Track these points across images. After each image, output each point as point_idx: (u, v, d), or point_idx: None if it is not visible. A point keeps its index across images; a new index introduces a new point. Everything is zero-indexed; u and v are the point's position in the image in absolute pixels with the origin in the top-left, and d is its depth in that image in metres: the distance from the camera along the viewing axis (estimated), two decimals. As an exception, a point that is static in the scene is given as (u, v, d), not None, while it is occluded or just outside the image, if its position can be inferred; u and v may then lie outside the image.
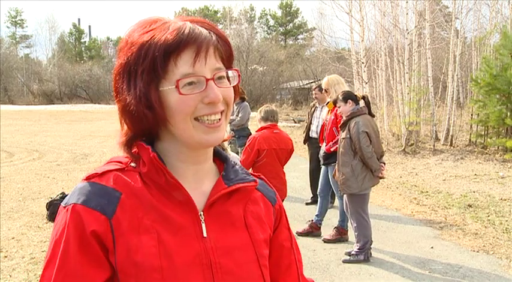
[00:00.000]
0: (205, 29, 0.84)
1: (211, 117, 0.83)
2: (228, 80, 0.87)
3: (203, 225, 0.86)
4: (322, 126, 5.51)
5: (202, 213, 0.87)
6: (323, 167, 5.35)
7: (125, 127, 0.88)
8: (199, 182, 0.90)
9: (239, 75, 0.88)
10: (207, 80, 0.82)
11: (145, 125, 0.84)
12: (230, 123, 7.35)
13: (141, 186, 0.84)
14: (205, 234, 0.85)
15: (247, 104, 7.43)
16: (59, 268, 0.79)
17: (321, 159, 5.29)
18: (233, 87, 0.88)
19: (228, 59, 0.88)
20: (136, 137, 0.87)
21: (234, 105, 7.63)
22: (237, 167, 0.96)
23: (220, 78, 0.84)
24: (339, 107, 4.50)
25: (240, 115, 7.20)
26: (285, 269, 1.01)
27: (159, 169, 0.84)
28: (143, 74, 0.81)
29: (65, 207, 0.83)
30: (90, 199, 0.81)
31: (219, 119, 0.84)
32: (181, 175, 0.88)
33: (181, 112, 0.81)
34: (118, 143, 0.89)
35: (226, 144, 5.76)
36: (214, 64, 0.84)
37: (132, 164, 0.87)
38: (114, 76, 0.87)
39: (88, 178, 0.85)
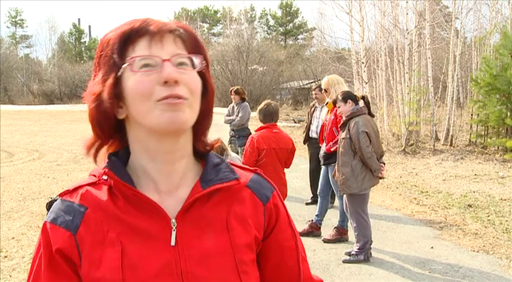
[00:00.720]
0: (164, 20, 0.85)
1: (171, 99, 0.79)
2: (194, 66, 0.83)
3: (173, 233, 0.82)
4: (322, 126, 5.51)
5: (174, 220, 0.83)
6: (323, 167, 5.34)
7: (93, 130, 0.87)
8: (175, 186, 0.87)
9: (206, 60, 0.85)
10: (164, 60, 0.79)
11: (108, 118, 0.83)
12: (230, 123, 7.36)
13: (108, 199, 0.84)
14: (172, 243, 0.82)
15: (247, 104, 7.45)
16: None
17: (321, 159, 5.29)
18: (205, 77, 0.86)
19: (194, 48, 0.86)
20: (101, 138, 0.86)
21: (235, 105, 7.72)
22: (222, 165, 0.91)
23: (181, 63, 0.81)
24: (339, 107, 4.50)
25: (240, 115, 7.21)
26: (287, 271, 0.96)
27: (117, 181, 0.83)
28: (104, 64, 0.82)
29: (43, 223, 0.86)
30: (58, 217, 0.84)
31: (179, 98, 0.79)
32: (153, 179, 0.86)
33: (138, 94, 0.79)
34: (83, 148, 0.88)
35: (226, 144, 5.77)
36: (174, 50, 0.82)
37: (104, 177, 0.86)
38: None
39: (61, 195, 0.87)
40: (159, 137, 0.83)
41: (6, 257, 4.58)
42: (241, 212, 0.89)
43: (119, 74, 0.80)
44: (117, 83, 0.81)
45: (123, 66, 0.80)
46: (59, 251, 0.82)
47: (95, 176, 0.88)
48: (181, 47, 0.83)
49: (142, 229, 0.82)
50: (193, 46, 0.86)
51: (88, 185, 0.87)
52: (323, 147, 5.23)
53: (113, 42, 0.82)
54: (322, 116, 5.98)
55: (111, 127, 0.85)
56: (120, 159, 0.87)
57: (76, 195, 0.85)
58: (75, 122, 21.96)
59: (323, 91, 5.55)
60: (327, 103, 5.51)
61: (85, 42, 58.61)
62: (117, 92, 0.81)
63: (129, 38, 0.81)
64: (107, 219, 0.82)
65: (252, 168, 0.98)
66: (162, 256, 0.81)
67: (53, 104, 39.16)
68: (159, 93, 0.78)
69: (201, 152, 0.92)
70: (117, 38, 0.82)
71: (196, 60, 0.84)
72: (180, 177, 0.87)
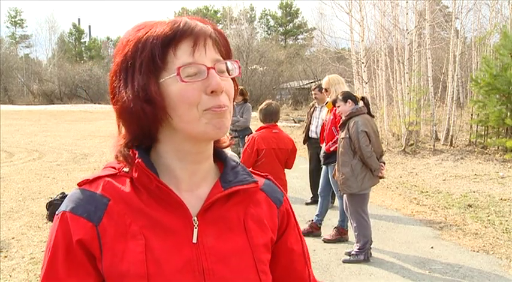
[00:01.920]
0: (201, 22, 0.83)
1: (217, 109, 0.80)
2: (228, 72, 0.84)
3: (195, 230, 0.83)
4: (323, 126, 5.51)
5: (196, 218, 0.84)
6: (323, 167, 5.34)
7: (123, 131, 0.85)
8: (196, 185, 0.87)
9: (239, 67, 0.86)
10: (208, 68, 0.79)
11: (145, 123, 0.81)
12: (233, 124, 7.34)
13: (131, 191, 0.83)
14: (194, 240, 0.82)
15: (249, 105, 7.42)
16: (46, 276, 0.82)
17: (321, 159, 5.29)
18: (233, 80, 0.86)
19: (226, 53, 0.86)
20: (134, 141, 0.85)
21: (236, 106, 7.66)
22: (239, 167, 0.92)
23: (221, 71, 0.82)
24: (338, 107, 4.50)
25: (244, 116, 7.18)
26: (296, 275, 0.97)
27: (148, 174, 0.82)
28: (141, 67, 0.79)
29: (57, 214, 0.84)
30: (78, 206, 0.82)
31: (224, 109, 0.81)
32: (177, 177, 0.86)
33: (184, 102, 0.78)
34: (114, 148, 0.86)
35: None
36: (214, 55, 0.82)
37: (125, 169, 0.85)
38: (110, 78, 0.84)
39: (79, 184, 0.86)
40: (197, 141, 0.84)
41: (6, 257, 4.57)
42: (258, 214, 0.91)
43: (162, 80, 0.79)
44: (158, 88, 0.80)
45: (171, 75, 0.78)
46: (80, 242, 0.80)
47: (114, 168, 0.87)
48: (217, 51, 0.83)
49: (165, 224, 0.82)
50: (226, 51, 0.86)
51: (108, 176, 0.85)
52: (323, 147, 5.23)
53: (152, 45, 0.78)
54: (321, 116, 5.98)
55: (141, 127, 0.83)
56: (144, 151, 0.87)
57: (97, 185, 0.84)
58: (75, 122, 21.97)
59: (323, 90, 5.54)
60: (327, 103, 5.51)
61: (85, 42, 58.64)
62: (160, 98, 0.79)
63: (171, 40, 0.79)
64: (129, 212, 0.81)
65: (263, 174, 0.99)
66: (184, 253, 0.82)
67: (53, 104, 39.16)
68: (206, 103, 0.79)
69: (222, 148, 0.93)
70: (159, 40, 0.78)
71: (232, 66, 0.85)
72: (202, 177, 0.88)
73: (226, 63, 0.84)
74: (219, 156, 0.93)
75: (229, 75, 0.84)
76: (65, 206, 0.83)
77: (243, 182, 0.89)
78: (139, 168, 0.82)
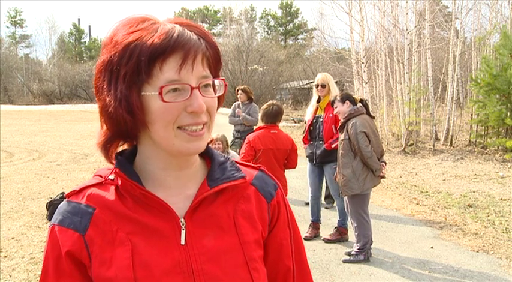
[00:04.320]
0: (195, 33, 0.81)
1: (194, 127, 0.80)
2: (214, 89, 0.84)
3: (183, 232, 0.83)
4: (308, 125, 5.32)
5: (183, 219, 0.84)
6: (316, 169, 5.17)
7: (104, 127, 0.85)
8: (183, 187, 0.87)
9: (225, 85, 0.86)
10: (192, 88, 0.78)
11: (123, 128, 0.81)
12: (235, 123, 7.28)
13: (116, 198, 0.84)
14: (182, 242, 0.83)
15: (256, 105, 7.38)
16: None
17: (316, 158, 5.07)
18: (218, 97, 0.85)
19: (215, 67, 0.85)
20: (114, 138, 0.85)
21: (242, 105, 7.58)
22: (227, 163, 0.91)
23: (206, 86, 0.81)
24: (336, 108, 4.47)
25: (254, 115, 7.13)
26: (285, 271, 0.96)
27: (129, 183, 0.83)
28: (126, 76, 0.77)
29: (49, 226, 0.86)
30: (65, 218, 0.84)
31: (202, 128, 0.82)
32: (162, 182, 0.86)
33: (163, 119, 0.78)
34: (96, 144, 0.86)
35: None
36: (201, 72, 0.80)
37: (111, 177, 0.86)
38: (95, 73, 0.83)
39: (67, 196, 0.87)
40: (174, 155, 0.84)
41: (6, 257, 4.58)
42: (248, 210, 0.90)
43: (144, 93, 0.78)
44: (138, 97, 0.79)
45: (154, 93, 0.78)
46: (69, 253, 0.82)
47: (100, 176, 0.88)
48: (205, 66, 0.82)
49: (152, 228, 0.83)
50: (216, 65, 0.85)
51: (94, 185, 0.87)
52: (307, 149, 5.15)
53: (139, 58, 0.76)
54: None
55: (120, 130, 0.83)
56: (126, 158, 0.87)
57: (82, 196, 0.85)
58: (75, 122, 21.97)
59: (319, 87, 5.37)
60: (320, 101, 5.32)
61: (85, 42, 58.72)
62: (141, 110, 0.79)
63: (160, 55, 0.77)
64: (115, 219, 0.83)
65: (255, 166, 0.98)
66: (173, 255, 0.82)
67: (53, 104, 39.22)
68: (183, 120, 0.80)
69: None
70: (147, 54, 0.76)
71: (219, 84, 0.84)
72: (188, 179, 0.88)
73: (213, 81, 0.83)
74: (206, 153, 0.92)
75: (215, 92, 0.84)
76: (54, 219, 0.85)
77: (231, 178, 0.88)
78: (118, 175, 0.84)
